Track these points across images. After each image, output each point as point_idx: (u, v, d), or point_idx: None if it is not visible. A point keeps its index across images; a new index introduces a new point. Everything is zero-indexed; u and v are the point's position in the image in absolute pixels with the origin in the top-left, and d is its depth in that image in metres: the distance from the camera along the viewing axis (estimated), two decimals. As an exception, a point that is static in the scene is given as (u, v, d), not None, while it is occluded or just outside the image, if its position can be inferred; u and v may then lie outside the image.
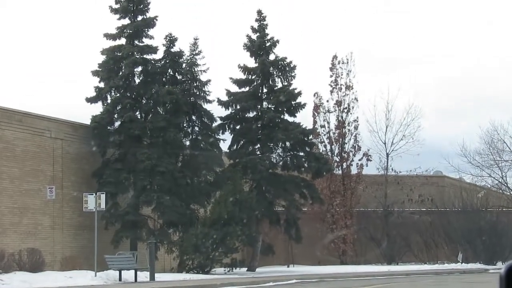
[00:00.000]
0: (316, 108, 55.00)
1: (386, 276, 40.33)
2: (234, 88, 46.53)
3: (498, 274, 3.96)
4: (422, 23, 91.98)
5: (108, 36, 42.76)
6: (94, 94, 42.50)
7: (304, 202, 48.34)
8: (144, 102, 43.49)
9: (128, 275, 32.91)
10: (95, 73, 42.47)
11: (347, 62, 55.52)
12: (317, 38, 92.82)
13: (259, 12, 46.93)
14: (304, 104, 46.98)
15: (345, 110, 55.13)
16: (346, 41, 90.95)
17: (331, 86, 55.44)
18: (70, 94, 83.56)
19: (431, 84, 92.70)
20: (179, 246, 41.09)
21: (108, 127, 42.04)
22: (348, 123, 55.30)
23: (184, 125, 44.26)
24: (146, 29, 43.10)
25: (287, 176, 46.51)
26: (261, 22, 46.86)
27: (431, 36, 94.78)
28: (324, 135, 55.31)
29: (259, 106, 46.64)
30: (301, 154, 46.84)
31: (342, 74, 55.46)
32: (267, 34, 46.75)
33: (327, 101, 55.36)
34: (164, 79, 44.06)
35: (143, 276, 33.88)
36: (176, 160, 43.32)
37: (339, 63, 55.60)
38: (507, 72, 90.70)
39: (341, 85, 55.30)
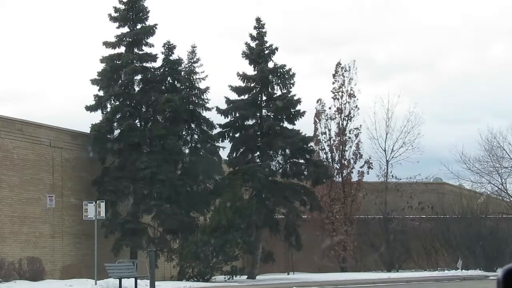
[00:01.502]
0: (318, 114, 54.91)
1: (386, 283, 40.33)
2: (233, 96, 46.62)
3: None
4: (421, 28, 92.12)
5: (107, 44, 42.82)
6: (93, 102, 42.54)
7: (304, 210, 48.34)
8: (143, 110, 43.55)
9: (128, 283, 32.88)
10: (94, 81, 42.52)
11: (349, 70, 55.46)
12: (318, 44, 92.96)
13: (258, 20, 47.03)
14: (304, 112, 47.05)
15: (346, 118, 55.07)
16: (347, 47, 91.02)
17: (333, 93, 55.36)
18: (69, 102, 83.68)
19: (430, 90, 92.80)
20: (179, 254, 41.09)
21: (108, 135, 42.07)
22: (350, 131, 55.23)
23: (184, 133, 44.29)
24: (145, 37, 43.16)
25: (286, 183, 46.52)
26: (260, 29, 46.94)
27: (431, 41, 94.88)
28: (325, 142, 55.25)
29: (258, 114, 46.68)
30: (301, 161, 46.85)
31: (344, 82, 55.39)
32: (266, 42, 46.85)
33: (329, 108, 55.30)
34: (163, 87, 44.10)
35: (143, 284, 33.85)
36: (176, 168, 43.34)
37: (341, 70, 55.50)
38: (507, 77, 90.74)
39: (342, 92, 55.24)
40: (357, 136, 55.35)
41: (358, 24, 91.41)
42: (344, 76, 55.35)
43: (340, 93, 55.18)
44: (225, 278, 40.89)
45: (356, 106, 55.17)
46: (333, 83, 55.42)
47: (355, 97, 55.04)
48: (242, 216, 41.01)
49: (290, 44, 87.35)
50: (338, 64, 55.65)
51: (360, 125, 55.55)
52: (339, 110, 55.11)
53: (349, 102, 55.12)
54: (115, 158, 42.30)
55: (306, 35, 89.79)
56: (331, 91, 55.28)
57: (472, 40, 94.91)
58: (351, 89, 55.13)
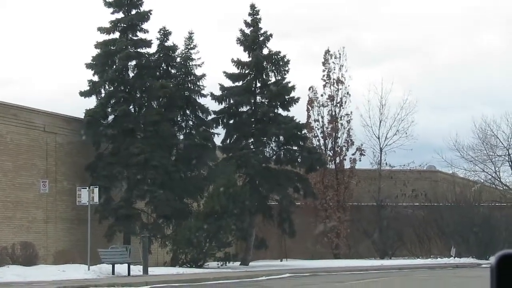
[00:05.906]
0: (311, 102, 54.98)
1: (379, 270, 40.39)
2: (228, 83, 46.59)
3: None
4: (413, 15, 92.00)
5: (102, 29, 42.70)
6: (87, 87, 42.48)
7: (298, 196, 48.39)
8: (137, 96, 43.49)
9: (121, 269, 32.93)
10: (88, 66, 42.43)
11: (339, 57, 55.52)
12: (311, 31, 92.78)
13: (252, 6, 46.94)
14: (298, 99, 47.07)
15: (338, 105, 55.14)
16: (339, 33, 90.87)
17: (324, 80, 55.46)
18: (63, 88, 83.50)
19: (423, 76, 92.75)
20: (173, 240, 41.13)
21: (102, 121, 42.00)
22: (341, 117, 55.31)
23: (178, 119, 44.26)
24: (140, 23, 43.06)
25: (280, 170, 46.55)
26: (255, 16, 46.88)
27: (425, 28, 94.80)
28: (318, 129, 55.34)
29: (253, 101, 46.66)
30: (295, 148, 46.88)
31: (334, 69, 55.46)
32: (261, 28, 46.79)
33: (321, 95, 55.38)
34: (157, 73, 44.03)
35: (136, 270, 33.90)
36: (170, 154, 43.32)
37: (331, 57, 55.56)
38: (501, 65, 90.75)
39: (333, 79, 55.30)
40: (349, 122, 55.46)
41: (349, 9, 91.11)
42: (334, 63, 55.45)
43: (331, 80, 55.26)
44: (218, 264, 40.94)
45: (348, 92, 55.33)
46: (323, 70, 55.56)
47: (345, 83, 55.15)
48: (236, 202, 41.05)
49: (279, 30, 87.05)
50: (327, 51, 55.77)
51: (351, 112, 55.66)
52: (331, 97, 55.20)
53: (340, 89, 55.24)
54: (109, 144, 42.26)
55: (295, 20, 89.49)
56: (322, 78, 55.41)
57: (466, 27, 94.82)
58: (341, 76, 55.25)
